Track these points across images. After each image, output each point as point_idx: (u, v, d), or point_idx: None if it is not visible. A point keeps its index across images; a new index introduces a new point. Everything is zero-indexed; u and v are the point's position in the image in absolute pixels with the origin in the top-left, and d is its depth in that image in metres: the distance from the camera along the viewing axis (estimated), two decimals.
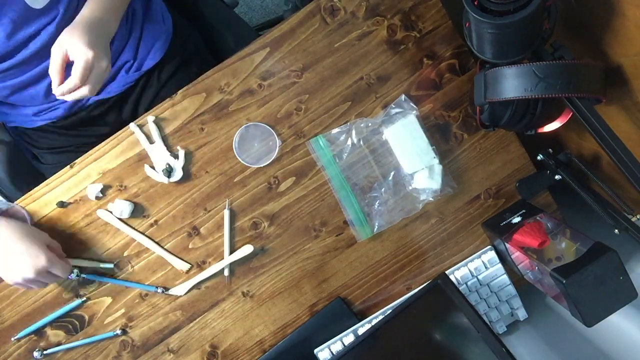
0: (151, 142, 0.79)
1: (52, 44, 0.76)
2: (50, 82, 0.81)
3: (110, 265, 0.82)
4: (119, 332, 0.84)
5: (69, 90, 0.69)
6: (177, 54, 0.94)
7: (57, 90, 0.69)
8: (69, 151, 0.96)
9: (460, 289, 0.73)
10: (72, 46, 0.68)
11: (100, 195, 0.80)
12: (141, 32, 0.89)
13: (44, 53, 0.77)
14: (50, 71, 0.69)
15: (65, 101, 0.87)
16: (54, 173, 0.80)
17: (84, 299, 0.83)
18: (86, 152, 0.80)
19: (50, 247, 0.75)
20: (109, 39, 0.75)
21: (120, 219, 0.81)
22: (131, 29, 0.88)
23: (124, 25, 0.86)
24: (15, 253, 0.71)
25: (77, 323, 0.84)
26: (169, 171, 0.79)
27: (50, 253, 0.73)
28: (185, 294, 0.84)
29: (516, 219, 0.80)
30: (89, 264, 0.81)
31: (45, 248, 0.73)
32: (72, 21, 0.78)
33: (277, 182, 0.83)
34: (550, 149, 0.78)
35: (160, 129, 0.80)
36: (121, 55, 0.87)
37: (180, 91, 0.80)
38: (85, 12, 0.73)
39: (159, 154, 0.79)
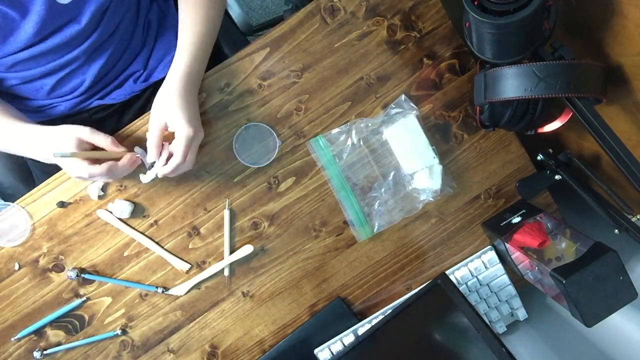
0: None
1: (71, 42, 0.76)
2: (58, 80, 0.81)
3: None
4: (119, 332, 0.84)
5: (172, 170, 0.73)
6: None
7: (161, 170, 0.73)
8: None
9: (460, 289, 0.73)
10: (175, 122, 0.71)
11: (102, 193, 0.80)
12: (154, 44, 0.89)
13: (62, 49, 0.77)
14: (149, 144, 0.72)
15: (66, 100, 0.87)
16: (44, 171, 0.80)
17: (84, 299, 0.83)
18: None
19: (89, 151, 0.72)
20: (198, 88, 0.78)
21: (120, 219, 0.81)
22: (145, 40, 0.88)
23: (140, 36, 0.86)
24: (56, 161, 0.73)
25: (77, 323, 0.84)
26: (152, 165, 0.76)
27: (79, 166, 0.70)
28: (185, 294, 0.84)
29: (516, 219, 0.80)
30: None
31: (77, 161, 0.70)
32: (99, 24, 0.77)
33: (277, 182, 0.83)
34: (550, 149, 0.78)
35: None
36: (131, 65, 0.87)
37: None
38: (181, 67, 0.74)
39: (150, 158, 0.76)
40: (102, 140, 0.72)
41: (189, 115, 0.73)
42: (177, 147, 0.71)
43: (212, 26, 0.78)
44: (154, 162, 0.74)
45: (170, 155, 0.74)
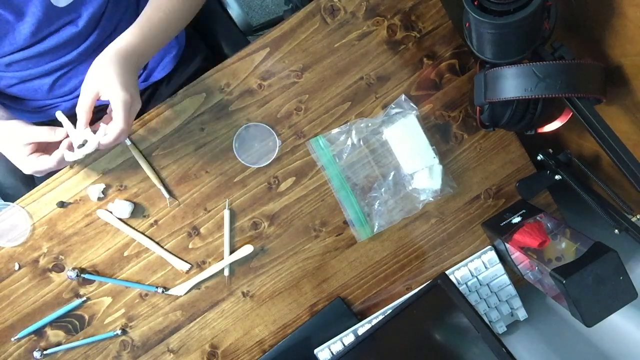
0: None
1: (69, 43, 0.76)
2: (56, 80, 0.82)
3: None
4: (119, 332, 0.84)
5: (115, 139, 0.67)
6: (187, 68, 0.94)
7: (95, 140, 0.67)
8: None
9: (460, 289, 0.73)
10: (108, 88, 0.66)
11: (102, 195, 0.80)
12: None
13: (59, 50, 0.77)
14: (79, 108, 0.67)
15: (66, 100, 0.87)
16: (50, 173, 0.79)
17: (84, 299, 0.83)
18: None
19: (39, 143, 0.70)
20: (139, 70, 0.73)
21: (120, 219, 0.81)
22: None
23: None
24: (6, 155, 0.71)
25: (77, 323, 0.84)
26: (83, 145, 0.69)
27: (29, 160, 0.69)
28: (185, 294, 0.84)
29: (516, 219, 0.80)
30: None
31: (26, 153, 0.69)
32: (97, 25, 0.77)
33: (277, 182, 0.83)
34: (550, 149, 0.78)
35: (158, 130, 0.80)
36: None
37: (180, 91, 0.80)
38: (124, 41, 0.70)
39: (79, 134, 0.69)
40: (44, 134, 0.69)
41: (125, 82, 0.67)
42: (116, 114, 0.66)
43: (177, 18, 0.76)
44: (85, 140, 0.68)
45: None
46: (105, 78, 0.66)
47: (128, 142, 0.78)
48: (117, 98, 0.65)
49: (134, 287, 0.83)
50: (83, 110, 0.67)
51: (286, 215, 0.84)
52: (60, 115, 0.71)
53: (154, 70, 0.90)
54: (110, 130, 0.66)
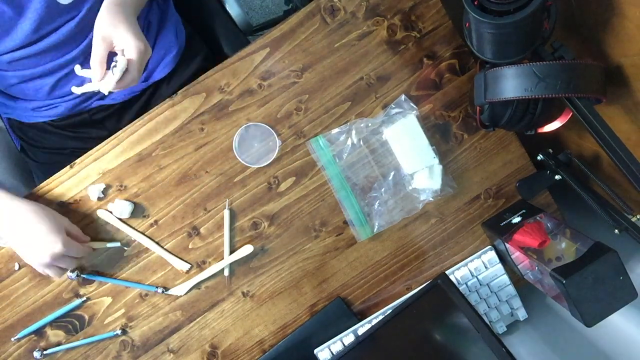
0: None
1: (69, 41, 0.76)
2: (57, 79, 0.82)
3: (117, 244, 0.81)
4: (119, 332, 0.84)
5: (127, 86, 0.68)
6: (187, 68, 0.94)
7: (108, 86, 0.68)
8: (64, 154, 0.96)
9: (460, 289, 0.73)
10: (122, 39, 0.67)
11: (102, 195, 0.80)
12: (154, 44, 0.89)
13: (60, 48, 0.77)
14: (92, 62, 0.67)
15: (66, 100, 0.87)
16: (44, 171, 0.80)
17: (84, 299, 0.83)
18: (79, 156, 0.80)
19: (70, 232, 0.74)
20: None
21: (120, 219, 0.81)
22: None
23: None
24: (33, 235, 0.71)
25: (77, 323, 0.84)
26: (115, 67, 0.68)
27: (67, 238, 0.72)
28: (185, 294, 0.84)
29: (516, 219, 0.80)
30: (97, 245, 0.80)
31: (64, 233, 0.72)
32: (94, 19, 0.77)
33: (277, 182, 0.83)
34: (550, 149, 0.78)
35: (158, 129, 0.80)
36: None
37: (180, 91, 0.80)
38: None
39: (99, 85, 0.70)
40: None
41: (137, 32, 0.69)
42: (132, 63, 0.67)
43: None
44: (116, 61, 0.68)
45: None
46: (119, 28, 0.67)
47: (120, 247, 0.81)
48: (134, 48, 0.67)
49: (134, 287, 0.83)
50: (97, 61, 0.67)
51: (286, 215, 0.84)
52: (78, 69, 0.71)
53: (154, 70, 0.90)
54: (126, 78, 0.67)
